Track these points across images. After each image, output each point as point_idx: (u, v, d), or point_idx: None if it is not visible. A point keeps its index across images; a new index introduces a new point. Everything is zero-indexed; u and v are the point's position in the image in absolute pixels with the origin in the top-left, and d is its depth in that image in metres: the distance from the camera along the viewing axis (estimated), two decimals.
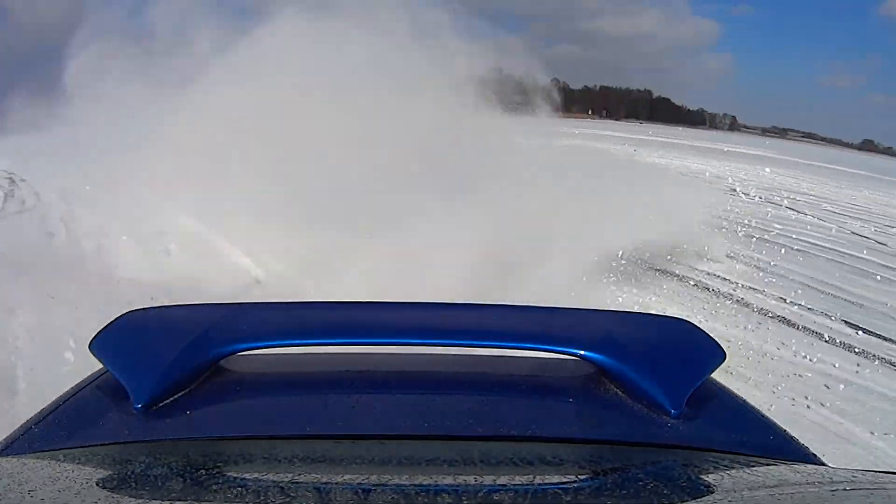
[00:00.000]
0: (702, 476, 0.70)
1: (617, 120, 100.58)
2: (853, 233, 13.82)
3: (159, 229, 7.83)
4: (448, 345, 0.94)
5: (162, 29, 14.53)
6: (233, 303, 1.15)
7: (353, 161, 8.76)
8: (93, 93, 14.17)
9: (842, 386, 5.34)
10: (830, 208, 17.75)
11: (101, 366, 0.92)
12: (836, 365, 5.82)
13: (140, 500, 0.60)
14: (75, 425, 0.81)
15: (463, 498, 0.57)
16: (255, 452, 0.73)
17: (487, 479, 0.66)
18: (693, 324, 1.06)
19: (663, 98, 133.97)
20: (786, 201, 16.75)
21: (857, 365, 5.87)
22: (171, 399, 0.83)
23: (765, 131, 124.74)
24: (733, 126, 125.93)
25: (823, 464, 0.84)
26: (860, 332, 6.84)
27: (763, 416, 0.95)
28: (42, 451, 0.76)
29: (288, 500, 0.57)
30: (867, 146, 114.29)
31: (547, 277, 6.46)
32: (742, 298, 7.61)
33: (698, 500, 0.64)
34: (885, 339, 6.67)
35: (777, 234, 11.48)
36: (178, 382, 0.85)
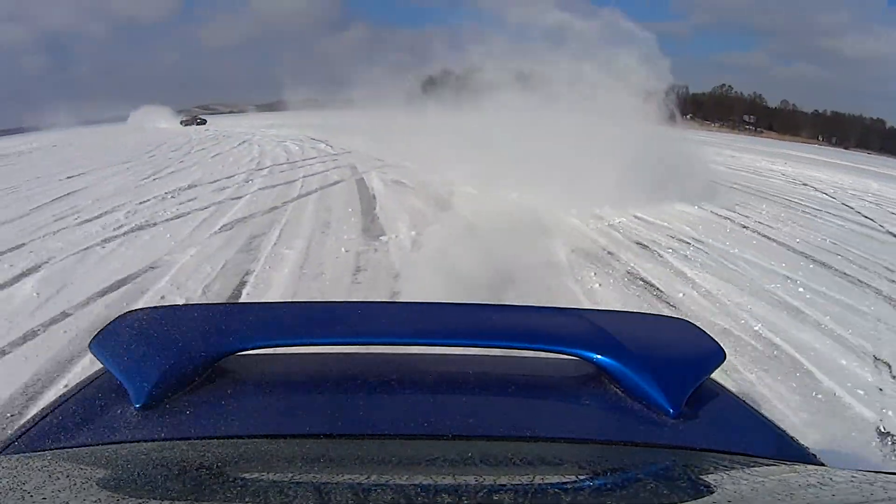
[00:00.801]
0: (701, 476, 0.70)
1: (846, 149, 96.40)
2: None
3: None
4: (448, 345, 0.95)
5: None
6: (232, 303, 1.23)
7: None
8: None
9: None
10: None
11: (100, 366, 0.92)
12: None
13: (140, 500, 0.59)
14: (75, 425, 0.81)
15: (463, 498, 0.57)
16: (255, 452, 0.73)
17: (487, 479, 0.66)
18: (693, 324, 1.07)
19: None
20: None
21: None
22: (170, 399, 0.83)
23: None
24: None
25: (823, 464, 0.84)
26: None
27: (762, 416, 0.95)
28: (42, 451, 0.76)
29: (288, 500, 0.57)
30: None
31: None
32: None
33: (698, 500, 0.64)
34: None
35: None
36: (177, 382, 0.85)
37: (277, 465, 0.70)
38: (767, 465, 0.76)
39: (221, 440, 0.77)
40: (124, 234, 8.54)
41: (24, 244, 7.84)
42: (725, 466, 0.73)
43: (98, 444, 0.76)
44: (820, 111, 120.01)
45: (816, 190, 18.55)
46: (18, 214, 9.93)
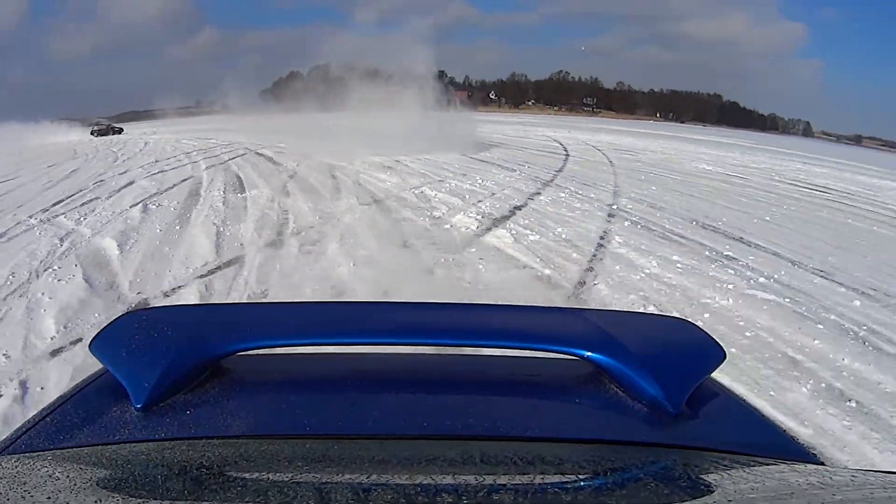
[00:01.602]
0: (702, 476, 0.70)
1: (682, 123, 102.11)
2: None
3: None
4: (448, 345, 0.94)
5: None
6: (232, 303, 1.28)
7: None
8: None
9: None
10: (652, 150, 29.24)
11: (100, 366, 0.92)
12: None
13: (140, 500, 0.59)
14: (75, 425, 0.81)
15: (463, 498, 0.57)
16: (255, 452, 0.73)
17: (487, 479, 0.66)
18: (693, 323, 1.06)
19: (732, 102, 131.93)
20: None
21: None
22: (170, 399, 0.83)
23: (840, 138, 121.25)
24: (807, 132, 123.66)
25: (823, 463, 0.84)
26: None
27: (763, 415, 0.95)
28: (42, 451, 0.75)
29: (288, 500, 0.57)
30: None
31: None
32: None
33: (698, 499, 0.64)
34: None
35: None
36: (177, 382, 0.85)
37: (277, 465, 0.69)
38: (768, 464, 0.75)
39: (222, 440, 0.76)
40: None
41: None
42: (725, 466, 0.72)
43: (98, 445, 0.76)
44: (657, 90, 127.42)
45: (556, 142, 28.42)
46: None
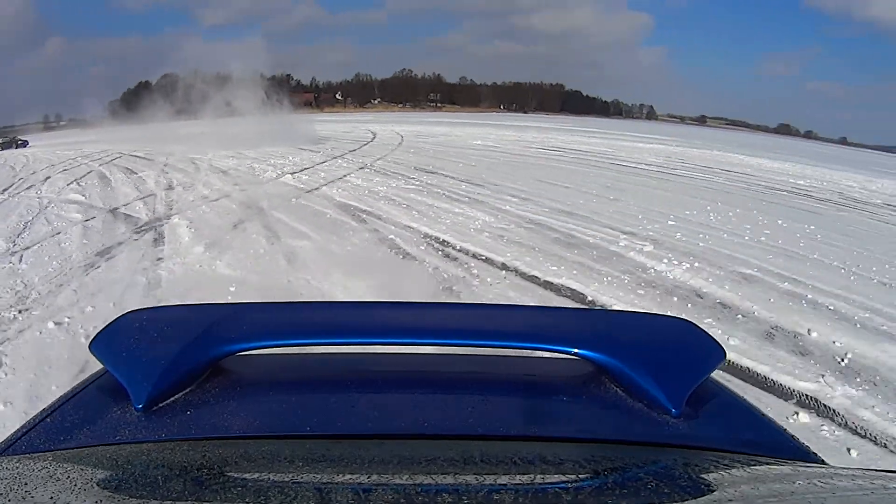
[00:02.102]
0: (702, 475, 0.70)
1: (524, 112, 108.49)
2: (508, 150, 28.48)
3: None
4: (448, 345, 0.94)
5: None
6: (232, 303, 1.18)
7: None
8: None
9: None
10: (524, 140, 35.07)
11: (101, 366, 0.92)
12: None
13: (140, 501, 0.60)
14: (75, 426, 0.81)
15: (463, 498, 0.57)
16: (255, 452, 0.73)
17: (487, 479, 0.66)
18: (693, 323, 1.06)
19: (575, 91, 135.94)
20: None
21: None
22: (170, 399, 0.84)
23: (683, 119, 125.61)
24: (650, 115, 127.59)
25: (824, 463, 0.84)
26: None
27: (763, 415, 0.95)
28: (42, 452, 0.75)
29: (288, 500, 0.56)
30: (782, 129, 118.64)
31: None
32: None
33: (698, 499, 0.64)
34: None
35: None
36: (177, 383, 0.85)
37: (278, 466, 0.69)
38: (768, 463, 0.76)
39: (222, 440, 0.77)
40: None
41: None
42: (726, 465, 0.72)
43: (99, 445, 0.76)
44: (499, 83, 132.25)
45: (372, 133, 36.04)
46: None
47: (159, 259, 8.21)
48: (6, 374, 4.81)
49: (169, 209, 12.12)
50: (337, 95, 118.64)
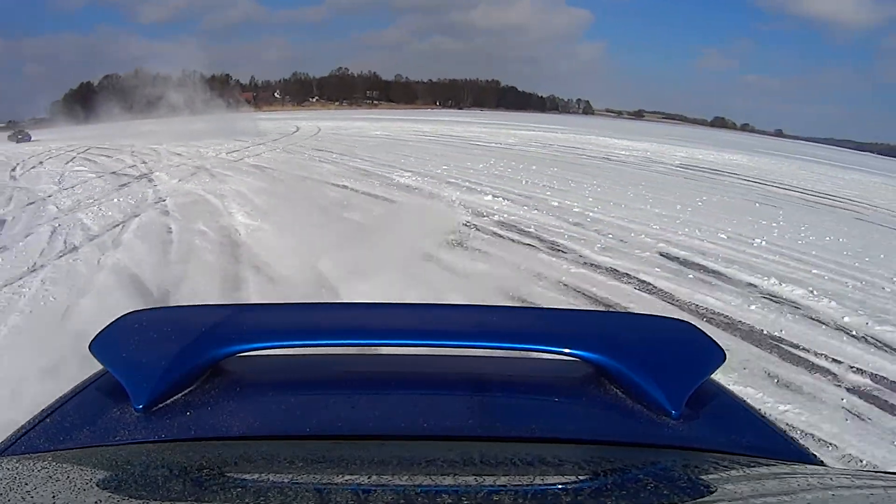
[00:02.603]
0: (702, 477, 0.70)
1: (460, 108, 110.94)
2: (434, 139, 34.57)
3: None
4: (448, 346, 0.95)
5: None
6: (232, 304, 1.19)
7: None
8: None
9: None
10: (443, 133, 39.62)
11: (101, 366, 0.93)
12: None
13: (140, 501, 0.60)
14: (75, 426, 0.82)
15: (463, 498, 0.58)
16: (255, 453, 0.73)
17: (487, 480, 0.67)
18: (693, 325, 1.07)
19: (511, 87, 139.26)
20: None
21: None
22: (170, 400, 0.84)
23: (620, 113, 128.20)
24: (587, 110, 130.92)
25: (823, 464, 0.85)
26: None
27: (763, 416, 0.96)
28: (42, 452, 0.76)
29: (288, 500, 0.57)
30: (717, 122, 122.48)
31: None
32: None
33: (698, 500, 0.65)
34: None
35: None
36: (177, 383, 0.86)
37: (277, 466, 0.70)
38: (768, 465, 0.76)
39: (222, 441, 0.77)
40: None
41: None
42: (726, 467, 0.73)
43: (98, 446, 0.76)
44: (435, 80, 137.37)
45: (298, 128, 41.50)
46: None
47: (155, 185, 15.26)
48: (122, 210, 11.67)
49: (150, 170, 18.80)
50: (276, 94, 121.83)
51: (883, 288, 8.29)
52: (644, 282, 7.85)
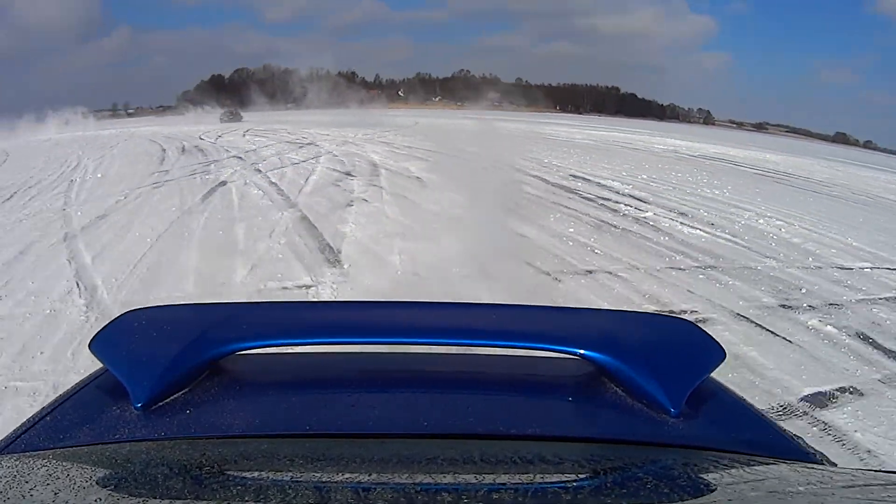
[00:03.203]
0: (702, 475, 0.70)
1: (579, 113, 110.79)
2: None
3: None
4: (448, 344, 0.95)
5: None
6: (232, 302, 1.19)
7: None
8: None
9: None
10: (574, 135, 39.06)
11: (100, 365, 0.92)
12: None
13: (140, 500, 0.60)
14: (75, 424, 0.82)
15: (463, 498, 0.57)
16: (255, 451, 0.73)
17: (487, 479, 0.66)
18: (693, 323, 1.05)
19: (630, 94, 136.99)
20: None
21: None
22: (170, 398, 0.84)
23: (741, 125, 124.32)
24: (707, 120, 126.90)
25: (823, 463, 0.85)
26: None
27: (763, 415, 0.96)
28: (42, 451, 0.75)
29: (288, 499, 0.57)
30: (839, 138, 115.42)
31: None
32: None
33: (698, 499, 0.65)
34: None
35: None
36: (177, 382, 0.86)
37: (278, 464, 0.70)
38: (768, 463, 0.76)
39: (221, 439, 0.77)
40: None
41: None
42: (726, 465, 0.72)
43: (98, 444, 0.76)
44: (554, 84, 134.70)
45: (418, 123, 42.93)
46: None
47: (321, 147, 21.00)
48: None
49: (312, 141, 23.90)
50: (399, 92, 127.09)
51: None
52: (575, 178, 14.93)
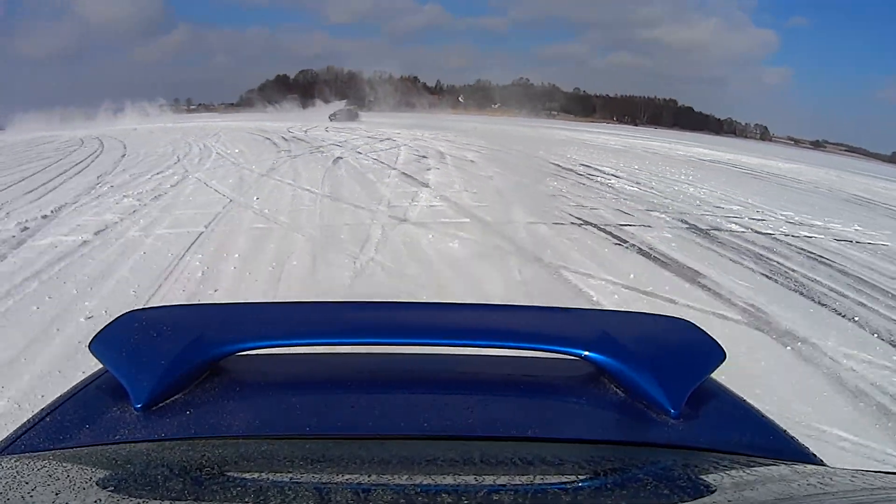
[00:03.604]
0: (702, 476, 0.71)
1: (636, 125, 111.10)
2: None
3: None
4: (448, 345, 0.95)
5: None
6: (232, 303, 1.20)
7: None
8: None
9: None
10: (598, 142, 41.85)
11: (100, 366, 0.93)
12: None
13: (139, 500, 0.60)
14: (75, 425, 0.82)
15: (463, 498, 0.58)
16: (255, 452, 0.74)
17: (487, 479, 0.67)
18: (693, 323, 1.07)
19: (687, 107, 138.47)
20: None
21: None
22: (170, 399, 0.84)
23: (797, 142, 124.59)
24: (764, 136, 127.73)
25: (823, 464, 0.85)
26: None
27: (763, 416, 0.96)
28: (42, 451, 0.76)
29: (288, 500, 0.57)
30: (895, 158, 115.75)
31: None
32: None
33: (698, 500, 0.65)
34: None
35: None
36: (177, 383, 0.86)
37: (277, 466, 0.71)
38: (768, 464, 0.76)
39: (221, 440, 0.77)
40: None
41: None
42: (726, 466, 0.73)
43: (98, 445, 0.77)
44: (611, 95, 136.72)
45: (472, 127, 45.11)
46: None
47: (397, 142, 24.35)
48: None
49: (388, 137, 27.06)
50: (459, 98, 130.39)
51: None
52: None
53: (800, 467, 0.76)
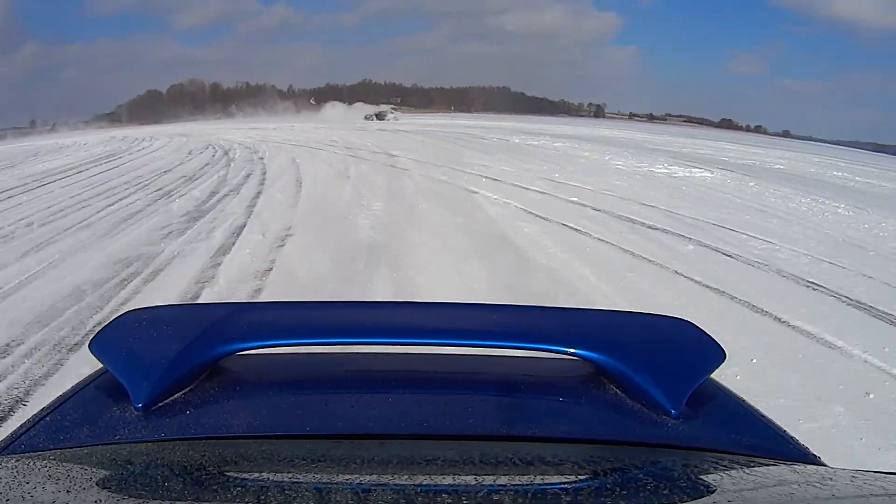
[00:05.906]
0: (701, 476, 0.70)
1: (468, 112, 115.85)
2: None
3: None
4: (447, 345, 0.95)
5: None
6: (232, 302, 1.17)
7: None
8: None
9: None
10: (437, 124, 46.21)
11: (100, 365, 0.92)
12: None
13: (139, 500, 0.60)
14: (75, 425, 0.82)
15: (463, 498, 0.58)
16: (255, 452, 0.73)
17: (487, 479, 0.66)
18: (693, 323, 1.07)
19: (518, 92, 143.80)
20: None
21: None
22: (170, 399, 0.84)
23: (632, 116, 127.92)
24: (598, 113, 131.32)
25: (823, 464, 0.84)
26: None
27: (763, 416, 0.96)
28: (42, 451, 0.76)
29: (288, 500, 0.57)
30: (724, 123, 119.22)
31: None
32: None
33: (698, 500, 0.65)
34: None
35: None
36: (177, 382, 0.86)
37: (277, 466, 0.70)
38: (768, 465, 0.76)
39: (221, 440, 0.77)
40: None
41: None
42: (726, 466, 0.73)
43: (98, 445, 0.76)
44: (446, 87, 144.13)
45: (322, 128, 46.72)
46: None
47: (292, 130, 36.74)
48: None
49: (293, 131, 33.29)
50: (311, 100, 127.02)
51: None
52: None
53: (800, 467, 0.76)
